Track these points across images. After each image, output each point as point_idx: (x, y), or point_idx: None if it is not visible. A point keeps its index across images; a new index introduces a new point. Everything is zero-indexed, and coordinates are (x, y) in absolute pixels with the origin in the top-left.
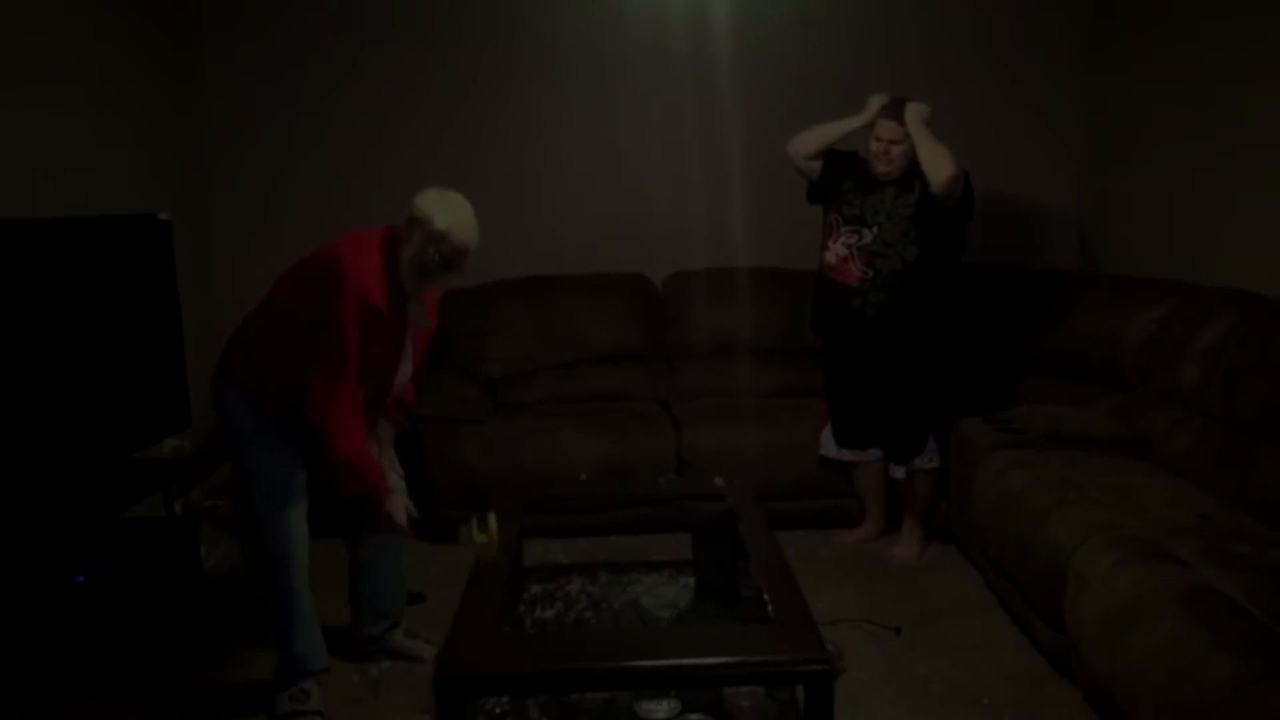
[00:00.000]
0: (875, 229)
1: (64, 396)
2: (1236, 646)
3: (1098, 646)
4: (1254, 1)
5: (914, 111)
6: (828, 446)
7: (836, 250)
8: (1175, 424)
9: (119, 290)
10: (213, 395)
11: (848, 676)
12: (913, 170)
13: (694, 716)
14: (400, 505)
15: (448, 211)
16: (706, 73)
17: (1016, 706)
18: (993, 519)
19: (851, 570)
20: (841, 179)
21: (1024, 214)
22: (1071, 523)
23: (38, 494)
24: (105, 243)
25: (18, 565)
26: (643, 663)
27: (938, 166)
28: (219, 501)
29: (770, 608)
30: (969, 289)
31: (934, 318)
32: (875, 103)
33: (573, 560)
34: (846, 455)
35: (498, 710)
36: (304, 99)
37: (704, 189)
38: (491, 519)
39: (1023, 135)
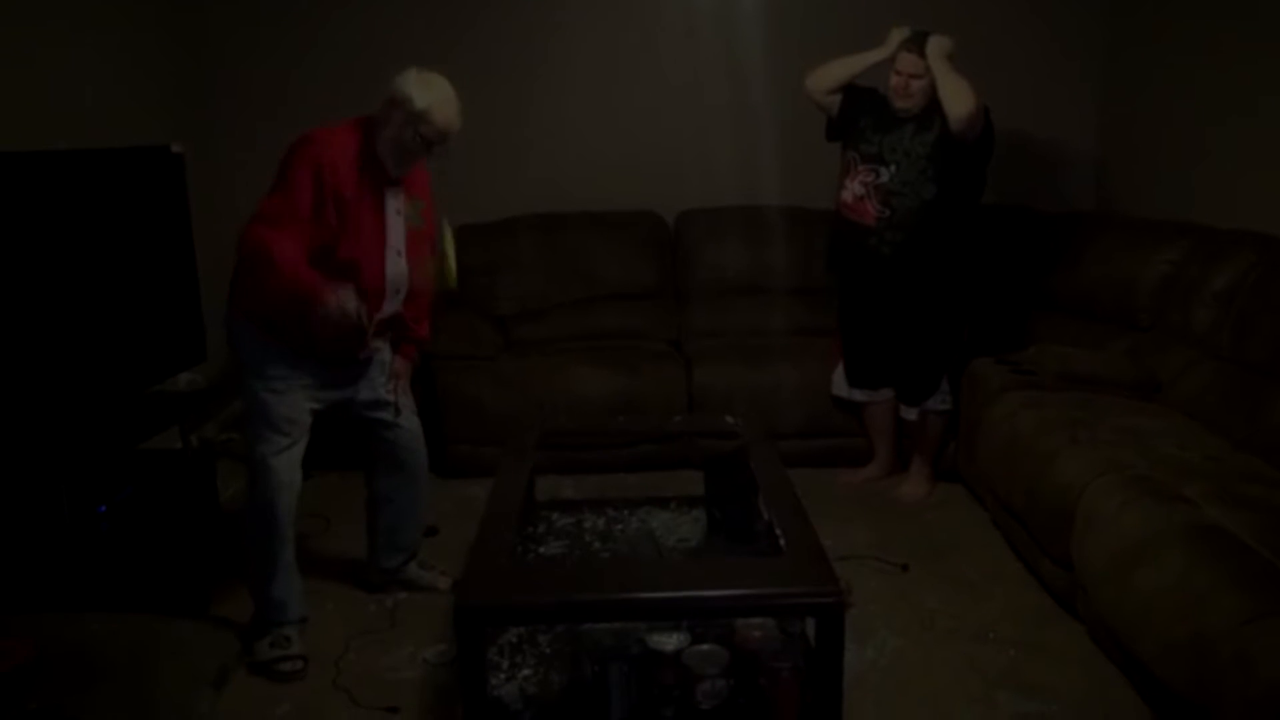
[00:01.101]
0: (893, 167)
1: (80, 330)
2: (1242, 583)
3: (1105, 584)
4: None
5: (936, 45)
6: (839, 386)
7: (854, 189)
8: (1187, 366)
9: (133, 223)
10: (226, 333)
11: (856, 610)
12: (932, 107)
13: (705, 648)
14: (349, 298)
15: (427, 91)
16: (724, 4)
17: (1021, 640)
18: (1002, 459)
19: (860, 508)
20: (860, 115)
21: (1040, 155)
22: (1081, 462)
23: (59, 425)
24: (118, 175)
25: (43, 493)
26: (655, 594)
27: (957, 101)
28: (233, 435)
29: (782, 542)
30: (984, 229)
31: (950, 258)
32: (897, 36)
33: (584, 497)
34: (858, 395)
35: (512, 641)
36: (311, 29)
37: (719, 125)
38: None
39: (1040, 75)
